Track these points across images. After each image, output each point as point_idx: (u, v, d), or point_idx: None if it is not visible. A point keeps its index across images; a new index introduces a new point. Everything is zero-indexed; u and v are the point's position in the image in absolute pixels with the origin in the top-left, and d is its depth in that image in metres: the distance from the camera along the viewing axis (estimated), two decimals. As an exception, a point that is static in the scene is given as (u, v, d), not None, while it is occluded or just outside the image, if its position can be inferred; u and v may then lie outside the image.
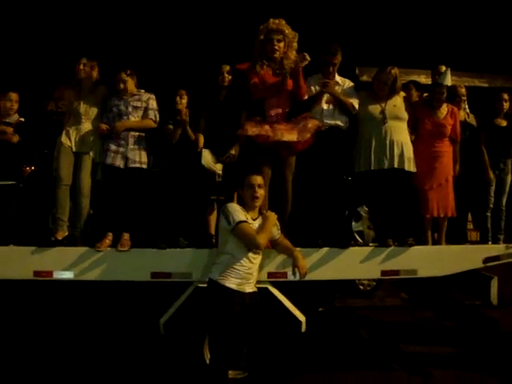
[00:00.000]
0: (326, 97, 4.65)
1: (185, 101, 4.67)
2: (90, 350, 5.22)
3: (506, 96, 5.46)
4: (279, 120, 4.46)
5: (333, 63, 4.66)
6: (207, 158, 4.52)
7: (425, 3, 11.32)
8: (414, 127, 4.92)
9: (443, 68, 5.23)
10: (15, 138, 4.70)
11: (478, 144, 5.36)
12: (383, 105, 4.74)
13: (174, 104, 4.66)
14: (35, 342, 5.44)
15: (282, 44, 4.50)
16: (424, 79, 7.57)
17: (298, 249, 3.97)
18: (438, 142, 4.90)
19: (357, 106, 4.72)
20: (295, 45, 4.59)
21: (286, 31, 4.50)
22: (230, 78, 4.71)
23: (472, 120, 5.50)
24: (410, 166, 4.69)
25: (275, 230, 3.86)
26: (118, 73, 4.56)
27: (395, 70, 4.74)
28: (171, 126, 4.59)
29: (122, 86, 4.55)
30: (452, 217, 4.94)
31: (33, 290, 5.48)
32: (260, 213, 3.75)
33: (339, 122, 4.67)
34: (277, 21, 4.50)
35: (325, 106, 4.66)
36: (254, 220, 3.66)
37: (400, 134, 4.70)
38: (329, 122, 4.63)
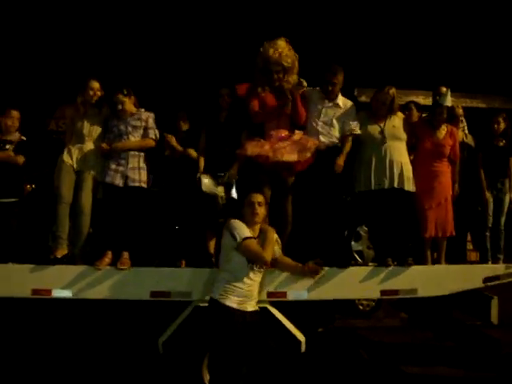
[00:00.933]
0: (321, 116, 4.69)
1: (187, 125, 4.71)
2: (89, 368, 5.17)
3: (500, 118, 5.53)
4: (280, 140, 4.47)
5: (332, 82, 4.69)
6: (207, 183, 4.53)
7: (423, 25, 11.44)
8: (413, 147, 4.96)
9: (444, 89, 5.29)
10: (20, 159, 4.72)
11: (476, 164, 5.40)
12: (382, 125, 4.79)
13: (177, 127, 4.71)
14: (33, 359, 5.38)
15: (281, 74, 4.49)
16: (422, 100, 7.62)
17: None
18: (437, 161, 4.94)
19: (357, 129, 4.76)
20: (296, 69, 4.58)
21: (285, 64, 4.45)
22: (229, 100, 4.76)
23: (470, 140, 5.57)
24: (410, 185, 4.72)
25: (277, 248, 3.85)
26: (115, 94, 4.57)
27: (393, 90, 4.80)
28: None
29: (119, 107, 4.57)
30: (451, 236, 4.95)
31: (31, 308, 5.45)
32: (260, 231, 3.74)
33: (335, 140, 4.70)
34: (276, 54, 4.43)
35: (320, 125, 4.69)
36: (255, 238, 3.65)
37: (399, 154, 4.74)
38: (325, 140, 4.65)
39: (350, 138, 4.76)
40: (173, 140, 4.72)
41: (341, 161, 4.64)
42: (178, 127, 4.81)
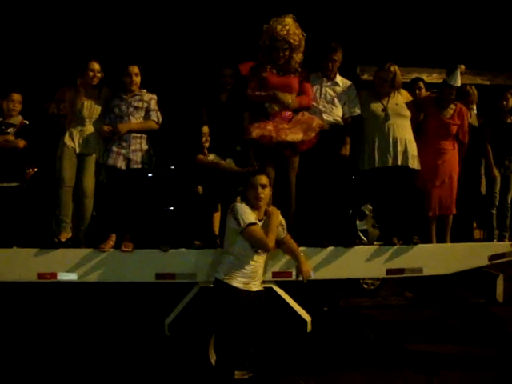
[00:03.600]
0: (322, 95, 4.65)
1: (208, 142, 4.59)
2: (95, 351, 5.21)
3: (508, 95, 5.47)
4: (283, 119, 4.42)
5: (332, 59, 4.63)
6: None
7: (425, 1, 11.30)
8: (418, 124, 4.91)
9: (462, 67, 5.19)
10: (21, 143, 4.67)
11: (483, 142, 5.34)
12: (385, 103, 4.75)
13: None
14: (40, 343, 5.42)
15: (287, 52, 4.42)
16: (425, 77, 7.54)
17: (302, 248, 3.96)
18: (443, 140, 4.91)
19: (357, 109, 4.71)
20: (302, 48, 4.50)
21: (292, 41, 4.37)
22: (232, 80, 4.69)
23: (474, 120, 5.49)
24: (414, 163, 4.68)
25: (281, 230, 3.83)
26: (131, 65, 4.51)
27: (394, 67, 4.73)
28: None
29: (133, 78, 4.50)
30: (456, 214, 4.92)
31: (37, 291, 5.46)
32: (265, 213, 3.71)
33: (338, 118, 4.67)
34: (284, 31, 4.33)
35: (322, 104, 4.65)
36: (260, 221, 3.62)
37: (403, 132, 4.69)
38: (329, 119, 4.61)
39: (350, 120, 4.73)
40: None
41: (345, 150, 4.62)
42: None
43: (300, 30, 4.45)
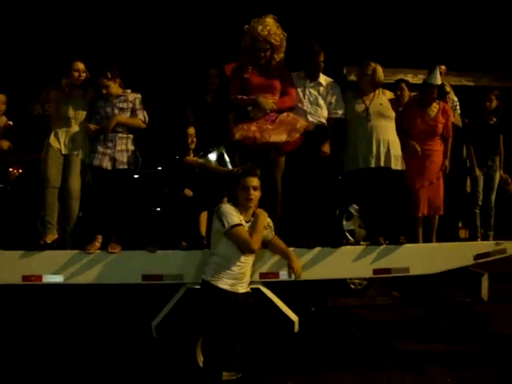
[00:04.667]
0: (306, 96, 4.66)
1: (194, 144, 4.58)
2: (82, 353, 5.17)
3: (492, 96, 5.52)
4: (267, 120, 4.41)
5: (316, 62, 4.65)
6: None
7: (411, 2, 11.38)
8: (402, 128, 4.93)
9: (443, 67, 5.22)
10: (5, 144, 4.62)
11: (466, 142, 5.40)
12: (368, 103, 4.75)
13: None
14: (27, 346, 5.36)
15: (268, 52, 4.42)
16: (411, 78, 7.61)
17: (290, 249, 3.97)
18: (430, 140, 4.95)
19: (340, 112, 4.73)
20: (283, 48, 4.50)
21: (273, 41, 4.38)
22: (217, 80, 4.68)
23: (457, 120, 5.54)
24: (398, 164, 4.69)
25: (269, 231, 3.84)
26: (99, 78, 4.45)
27: (375, 63, 4.75)
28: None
29: (104, 91, 4.46)
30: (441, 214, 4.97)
31: (22, 294, 5.41)
32: (253, 215, 3.71)
33: (322, 119, 4.69)
34: (265, 31, 4.33)
35: (306, 105, 4.66)
36: (248, 222, 3.63)
37: (386, 133, 4.70)
38: (313, 120, 4.62)
39: (333, 121, 4.75)
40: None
41: (326, 148, 4.63)
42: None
43: (281, 30, 4.45)
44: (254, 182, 3.63)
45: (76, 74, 4.54)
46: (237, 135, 4.29)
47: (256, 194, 3.63)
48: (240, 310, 3.57)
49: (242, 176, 3.69)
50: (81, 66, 4.56)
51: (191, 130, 4.49)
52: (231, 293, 3.55)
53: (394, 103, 4.92)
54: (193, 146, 4.49)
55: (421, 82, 5.37)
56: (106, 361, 4.98)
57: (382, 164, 4.62)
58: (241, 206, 3.63)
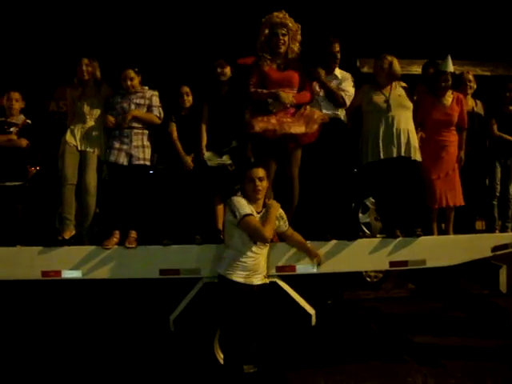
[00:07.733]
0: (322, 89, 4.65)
1: (190, 98, 4.66)
2: (100, 347, 5.23)
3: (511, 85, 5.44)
4: (286, 114, 4.41)
5: (332, 53, 4.64)
6: (212, 158, 4.50)
7: (424, -7, 11.28)
8: (419, 120, 4.90)
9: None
10: (24, 143, 4.66)
11: (491, 131, 5.32)
12: (387, 94, 4.73)
13: (180, 101, 4.66)
14: (46, 340, 5.45)
15: (286, 38, 4.45)
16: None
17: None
18: (445, 131, 4.90)
19: (348, 101, 4.70)
20: (299, 37, 4.52)
21: (290, 24, 4.44)
22: (226, 70, 4.64)
23: (480, 109, 5.47)
24: (416, 154, 4.66)
25: (282, 223, 3.86)
26: (125, 70, 4.53)
27: (391, 56, 4.74)
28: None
29: (129, 83, 4.52)
30: (459, 206, 4.92)
31: (42, 289, 5.47)
32: (264, 205, 3.74)
33: (338, 112, 4.68)
34: (280, 14, 4.44)
35: (320, 98, 4.65)
36: (259, 213, 3.66)
37: (406, 123, 4.69)
38: (328, 112, 4.61)
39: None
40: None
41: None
42: (181, 103, 4.73)
43: (294, 22, 4.50)
44: (260, 172, 3.66)
45: (82, 69, 4.60)
46: (257, 127, 4.29)
47: (263, 185, 3.66)
48: (257, 302, 3.59)
49: (248, 168, 3.72)
50: (85, 61, 4.62)
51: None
52: (246, 285, 3.57)
53: (409, 94, 4.88)
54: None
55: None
56: (123, 355, 5.04)
57: (403, 153, 4.60)
58: (250, 198, 3.66)
